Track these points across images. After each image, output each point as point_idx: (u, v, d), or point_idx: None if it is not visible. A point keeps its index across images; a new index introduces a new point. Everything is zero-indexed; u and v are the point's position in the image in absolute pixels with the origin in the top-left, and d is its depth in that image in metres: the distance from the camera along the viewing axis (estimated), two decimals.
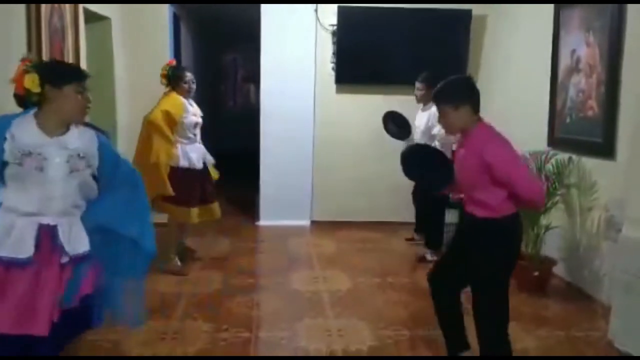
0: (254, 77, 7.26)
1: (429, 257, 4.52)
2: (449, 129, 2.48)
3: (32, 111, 2.04)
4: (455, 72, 2.55)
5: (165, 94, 4.03)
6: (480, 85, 2.51)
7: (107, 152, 2.18)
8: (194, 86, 4.10)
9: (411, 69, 4.53)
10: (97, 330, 2.90)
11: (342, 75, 5.44)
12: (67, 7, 3.67)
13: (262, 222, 5.62)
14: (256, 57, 5.62)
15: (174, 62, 4.21)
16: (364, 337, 3.11)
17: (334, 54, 5.44)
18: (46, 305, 1.92)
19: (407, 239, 5.00)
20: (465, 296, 2.61)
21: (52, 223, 2.00)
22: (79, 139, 2.10)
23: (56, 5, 3.46)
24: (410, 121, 4.69)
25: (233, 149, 9.13)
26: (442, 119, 2.45)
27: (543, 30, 4.31)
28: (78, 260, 2.04)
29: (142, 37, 5.20)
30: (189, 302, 3.55)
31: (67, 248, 2.01)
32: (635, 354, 2.85)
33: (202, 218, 4.14)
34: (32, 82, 1.97)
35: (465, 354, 2.65)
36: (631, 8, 3.36)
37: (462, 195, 2.61)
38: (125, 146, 4.98)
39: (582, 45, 3.86)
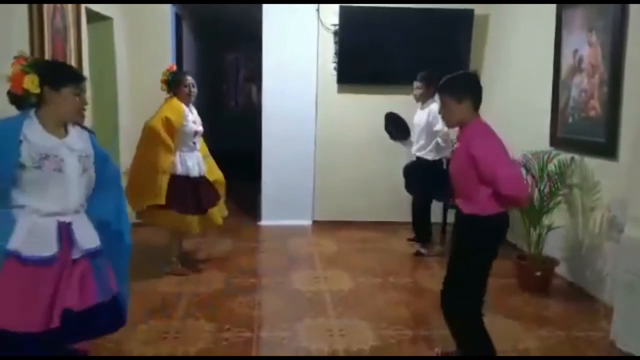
0: (256, 77, 7.26)
1: (423, 251, 4.65)
2: (448, 120, 2.53)
3: (32, 113, 2.05)
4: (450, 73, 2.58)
5: (167, 99, 3.99)
6: (482, 85, 2.52)
7: (97, 150, 2.24)
8: (194, 90, 4.02)
9: (413, 69, 4.53)
10: None
11: (344, 75, 5.43)
12: (69, 7, 3.67)
13: (264, 222, 5.62)
14: (258, 57, 5.62)
15: (174, 68, 4.17)
16: (365, 337, 3.11)
17: (335, 53, 5.44)
18: (65, 298, 1.96)
19: (409, 239, 5.00)
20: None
21: (68, 220, 2.07)
22: (80, 139, 2.15)
23: (58, 5, 3.46)
24: (409, 121, 4.70)
25: (234, 149, 9.15)
26: (443, 109, 2.51)
27: (545, 30, 4.31)
28: (91, 255, 2.10)
29: (143, 37, 5.21)
30: (190, 301, 3.55)
31: (81, 243, 2.08)
32: (637, 354, 2.84)
33: (203, 226, 4.10)
34: (31, 83, 1.98)
35: None
36: (633, 8, 3.35)
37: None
38: (127, 146, 4.99)
39: (585, 45, 3.85)
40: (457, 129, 2.56)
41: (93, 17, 4.40)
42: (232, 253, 4.68)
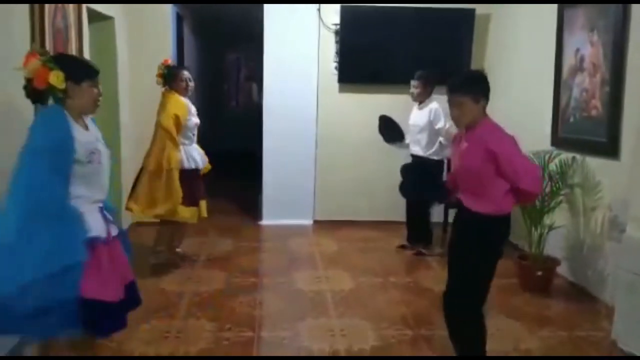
0: (257, 76, 7.26)
1: (424, 250, 4.65)
2: (460, 120, 2.42)
3: (59, 107, 2.12)
4: (458, 72, 2.56)
5: (165, 93, 4.02)
6: None
7: None
8: (191, 84, 4.11)
9: (414, 68, 4.52)
10: None
11: (345, 74, 5.43)
12: (71, 7, 3.67)
13: (265, 221, 5.62)
14: (259, 56, 5.62)
15: (169, 61, 4.19)
16: (366, 337, 3.11)
17: (336, 53, 5.44)
18: (125, 274, 2.27)
19: (400, 247, 4.85)
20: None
21: (100, 205, 2.23)
22: (96, 128, 2.30)
23: (59, 5, 3.46)
24: (405, 123, 4.66)
25: (235, 149, 9.15)
26: (456, 109, 2.40)
27: (546, 30, 4.30)
28: (119, 236, 2.30)
29: (144, 37, 5.21)
30: (191, 301, 3.55)
31: (113, 226, 2.26)
32: (638, 354, 2.84)
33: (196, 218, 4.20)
34: (57, 78, 2.04)
35: None
36: (635, 7, 3.35)
37: (459, 195, 2.60)
38: (128, 144, 5.00)
39: (586, 45, 3.84)
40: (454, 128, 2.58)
41: (94, 16, 4.40)
42: (233, 253, 4.69)
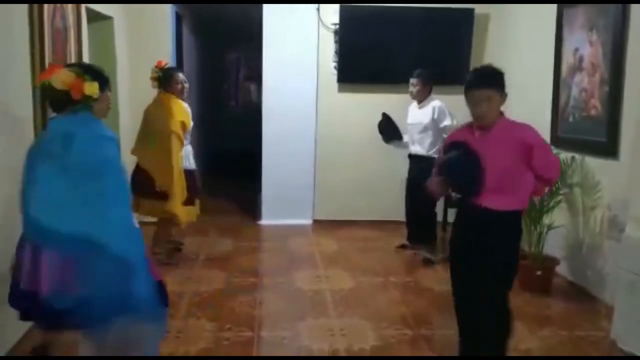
0: (256, 76, 7.26)
1: (432, 258, 4.46)
2: (486, 116, 2.33)
3: (89, 114, 2.26)
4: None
5: (163, 96, 4.03)
6: None
7: None
8: (187, 86, 4.17)
9: (413, 68, 4.52)
10: None
11: (344, 74, 5.43)
12: (70, 7, 3.66)
13: (264, 221, 5.62)
14: (258, 56, 5.62)
15: (163, 63, 4.21)
16: (366, 337, 3.11)
17: (336, 52, 5.44)
18: None
19: (399, 247, 4.83)
20: None
21: None
22: None
23: (58, 4, 3.46)
24: (402, 122, 4.65)
25: (234, 148, 9.15)
26: (485, 104, 2.31)
27: (546, 29, 4.31)
28: None
29: (144, 37, 5.21)
30: (191, 301, 3.55)
31: None
32: (638, 354, 2.84)
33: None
34: (93, 89, 2.21)
35: None
36: (635, 7, 3.35)
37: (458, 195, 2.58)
38: (127, 145, 4.99)
39: (585, 44, 3.85)
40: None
41: (94, 16, 4.40)
42: (233, 252, 4.69)
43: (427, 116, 4.39)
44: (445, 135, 4.32)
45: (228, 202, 6.56)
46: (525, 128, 2.39)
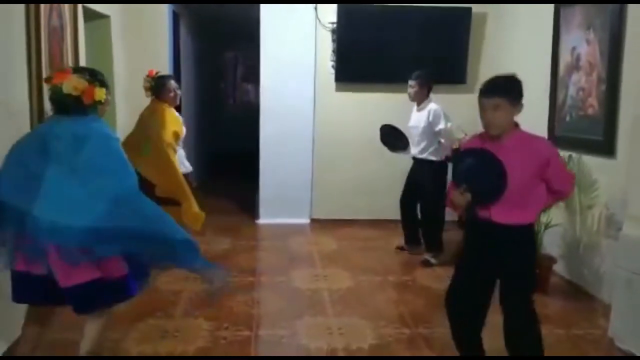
0: (254, 75, 7.25)
1: (433, 261, 4.43)
2: (492, 124, 2.27)
3: (96, 117, 2.39)
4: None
5: (156, 105, 4.03)
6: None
7: None
8: (179, 92, 4.17)
9: (411, 67, 4.52)
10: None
11: (342, 73, 5.43)
12: (66, 6, 3.65)
13: (262, 220, 5.62)
14: (256, 55, 5.61)
15: (154, 72, 4.20)
16: (364, 336, 3.11)
17: (333, 52, 5.44)
18: None
19: (398, 247, 4.81)
20: None
21: None
22: None
23: (55, 3, 3.44)
24: (404, 125, 4.63)
25: (233, 148, 9.14)
26: (492, 113, 2.26)
27: (543, 28, 4.31)
28: None
29: (141, 35, 5.20)
30: (189, 300, 3.54)
31: None
32: (635, 352, 2.85)
33: None
34: (102, 94, 2.36)
35: None
36: (632, 6, 3.36)
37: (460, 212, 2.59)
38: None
39: (583, 43, 3.85)
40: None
41: (90, 15, 4.39)
42: (231, 252, 4.68)
43: (424, 119, 4.39)
44: (440, 139, 4.32)
45: (226, 201, 6.55)
46: (542, 140, 2.41)
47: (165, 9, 5.37)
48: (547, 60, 4.25)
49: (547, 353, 2.97)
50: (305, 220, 5.66)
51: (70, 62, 3.70)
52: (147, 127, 3.99)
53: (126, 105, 5.15)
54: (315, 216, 5.69)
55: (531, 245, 2.47)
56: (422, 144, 4.41)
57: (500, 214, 2.29)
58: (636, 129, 3.04)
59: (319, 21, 5.43)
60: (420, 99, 4.43)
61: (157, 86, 4.04)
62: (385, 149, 4.67)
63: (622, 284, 2.94)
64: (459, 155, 2.51)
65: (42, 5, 3.20)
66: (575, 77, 3.95)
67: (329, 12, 5.38)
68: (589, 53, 3.78)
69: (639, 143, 3.02)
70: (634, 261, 2.87)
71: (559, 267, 3.99)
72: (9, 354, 2.78)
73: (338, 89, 5.55)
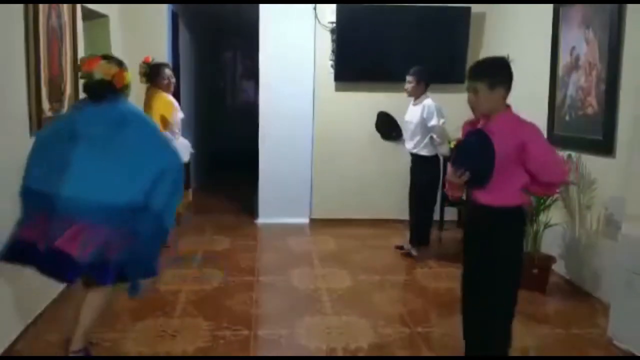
0: (253, 74, 7.25)
1: (414, 252, 4.54)
2: (476, 109, 2.33)
3: (127, 100, 2.60)
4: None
5: (149, 91, 4.08)
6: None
7: None
8: (173, 81, 4.25)
9: (410, 66, 4.51)
10: (95, 326, 2.90)
11: (341, 72, 5.42)
12: (65, 6, 3.65)
13: (261, 220, 5.62)
14: (255, 54, 5.60)
15: (150, 59, 4.24)
16: (364, 335, 3.11)
17: (332, 51, 5.43)
18: None
19: (398, 247, 4.81)
20: None
21: None
22: None
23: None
24: (401, 119, 4.66)
25: (231, 146, 9.13)
26: (472, 97, 2.31)
27: (542, 28, 4.31)
28: None
29: (140, 35, 5.19)
30: (188, 299, 3.54)
31: None
32: (635, 351, 2.85)
33: None
34: (130, 78, 2.55)
35: None
36: (631, 5, 3.35)
37: (459, 194, 2.57)
38: None
39: (582, 43, 3.85)
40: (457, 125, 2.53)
41: (89, 14, 4.38)
42: (230, 251, 4.68)
43: (418, 114, 4.41)
44: (433, 135, 4.34)
45: (225, 200, 6.55)
46: (525, 125, 2.30)
47: (164, 8, 5.36)
48: (547, 59, 4.25)
49: (546, 352, 2.98)
50: (305, 220, 5.65)
51: (69, 62, 3.70)
52: None
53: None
54: (315, 216, 5.69)
55: (505, 231, 2.35)
56: (416, 139, 4.43)
57: (481, 194, 2.34)
58: (636, 129, 3.04)
59: (318, 20, 5.43)
60: (417, 94, 4.44)
61: (152, 73, 4.12)
62: (381, 148, 4.69)
63: (621, 284, 2.95)
64: (464, 136, 2.50)
65: (41, 5, 3.19)
66: (574, 76, 3.95)
67: (328, 12, 5.37)
68: (588, 52, 3.77)
69: (639, 143, 3.02)
70: (633, 261, 2.88)
71: (558, 267, 3.98)
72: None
73: (337, 89, 5.54)
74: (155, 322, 3.19)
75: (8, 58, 2.88)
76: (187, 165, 4.24)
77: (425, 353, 2.93)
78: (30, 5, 3.05)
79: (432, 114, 4.30)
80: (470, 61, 5.35)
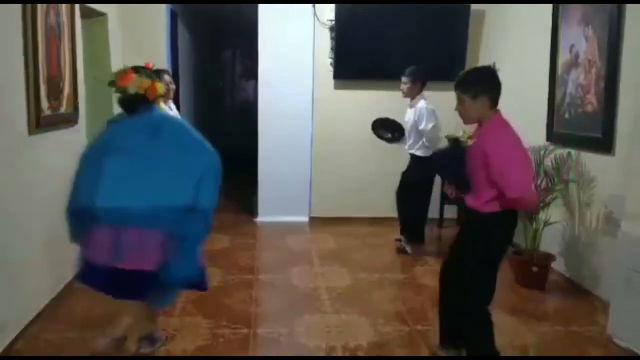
0: (253, 73, 7.24)
1: (409, 250, 4.58)
2: (464, 118, 2.46)
3: (158, 108, 2.67)
4: (454, 68, 2.56)
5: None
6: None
7: None
8: (173, 87, 4.17)
9: (410, 65, 4.51)
10: (95, 326, 2.90)
11: (341, 70, 5.42)
12: (63, 5, 3.64)
13: (261, 218, 5.62)
14: (254, 53, 5.60)
15: (150, 65, 4.20)
16: (363, 334, 3.11)
17: (332, 49, 5.43)
18: None
19: (398, 239, 4.84)
20: None
21: None
22: None
23: None
24: (401, 119, 4.66)
25: (231, 146, 9.12)
26: (459, 106, 2.44)
27: (542, 25, 4.30)
28: None
29: (139, 34, 5.17)
30: (188, 298, 3.53)
31: None
32: (635, 349, 2.85)
33: None
34: (162, 88, 2.62)
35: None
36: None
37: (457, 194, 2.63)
38: None
39: (582, 40, 3.84)
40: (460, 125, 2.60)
41: (88, 13, 4.37)
42: (230, 250, 4.68)
43: (412, 116, 4.44)
44: (424, 139, 4.34)
45: (225, 199, 6.49)
46: (496, 136, 2.34)
47: (163, 7, 5.35)
48: (546, 57, 4.24)
49: (546, 350, 2.98)
50: (304, 219, 5.65)
51: (67, 61, 3.69)
52: None
53: None
54: (314, 214, 5.69)
55: (481, 236, 2.45)
56: (411, 140, 4.48)
57: (468, 198, 2.50)
58: (636, 127, 3.04)
59: (318, 19, 5.42)
60: (412, 94, 4.45)
61: None
62: (381, 146, 4.68)
63: (621, 282, 2.94)
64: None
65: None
66: (574, 74, 3.94)
67: (328, 10, 5.37)
68: (588, 50, 3.77)
69: (639, 141, 3.02)
70: (633, 259, 2.88)
71: (558, 265, 3.99)
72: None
73: (337, 87, 5.53)
74: None
75: (7, 57, 2.88)
76: None
77: (425, 351, 2.93)
78: (29, 4, 3.05)
79: (423, 118, 4.32)
80: (469, 59, 5.36)
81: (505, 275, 3.91)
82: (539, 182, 3.80)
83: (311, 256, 4.59)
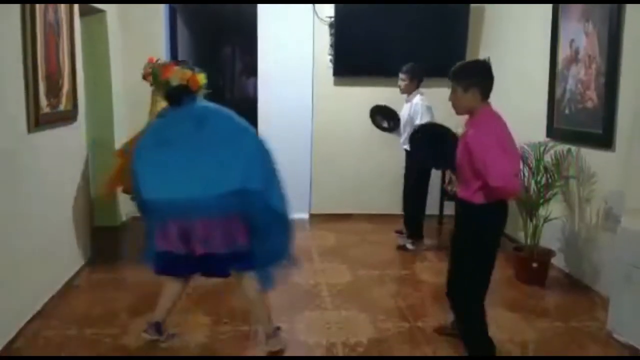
0: (252, 70, 7.22)
1: (409, 246, 4.61)
2: (455, 107, 2.52)
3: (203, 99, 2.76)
4: (453, 64, 2.56)
5: (154, 95, 4.00)
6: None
7: None
8: None
9: (409, 61, 4.51)
10: (95, 323, 2.90)
11: (340, 67, 5.41)
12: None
13: None
14: (254, 49, 5.58)
15: (154, 59, 4.17)
16: (363, 330, 3.11)
17: (331, 46, 5.41)
18: None
19: (397, 231, 4.96)
20: None
21: None
22: None
23: None
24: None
25: None
26: (451, 95, 2.51)
27: (541, 21, 4.29)
28: None
29: (138, 30, 5.17)
30: (188, 295, 3.53)
31: None
32: (634, 344, 2.85)
33: None
34: (204, 78, 2.70)
35: None
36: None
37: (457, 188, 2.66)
38: (123, 138, 4.96)
39: (581, 36, 3.84)
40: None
41: (86, 10, 4.36)
42: None
43: (407, 111, 4.46)
44: None
45: None
46: (481, 126, 2.38)
47: (162, 4, 5.33)
48: (546, 53, 4.23)
49: (545, 346, 2.98)
50: (304, 215, 5.65)
51: (66, 58, 3.68)
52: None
53: (123, 101, 5.14)
54: (314, 211, 5.69)
55: (471, 225, 2.50)
56: (405, 134, 4.47)
57: (459, 188, 2.57)
58: (636, 123, 3.03)
59: (317, 15, 5.41)
60: (409, 90, 4.48)
61: (155, 75, 4.01)
62: (380, 142, 4.68)
63: (621, 277, 2.95)
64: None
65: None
66: (574, 70, 3.94)
67: (327, 6, 5.35)
68: (588, 45, 3.76)
69: (639, 137, 3.01)
70: (633, 254, 2.88)
71: (557, 261, 3.99)
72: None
73: (336, 83, 5.53)
74: None
75: (5, 54, 2.87)
76: None
77: (425, 347, 2.94)
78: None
79: (417, 113, 4.34)
80: (469, 55, 5.34)
81: (505, 271, 3.92)
82: (539, 178, 3.80)
83: (311, 252, 4.59)
